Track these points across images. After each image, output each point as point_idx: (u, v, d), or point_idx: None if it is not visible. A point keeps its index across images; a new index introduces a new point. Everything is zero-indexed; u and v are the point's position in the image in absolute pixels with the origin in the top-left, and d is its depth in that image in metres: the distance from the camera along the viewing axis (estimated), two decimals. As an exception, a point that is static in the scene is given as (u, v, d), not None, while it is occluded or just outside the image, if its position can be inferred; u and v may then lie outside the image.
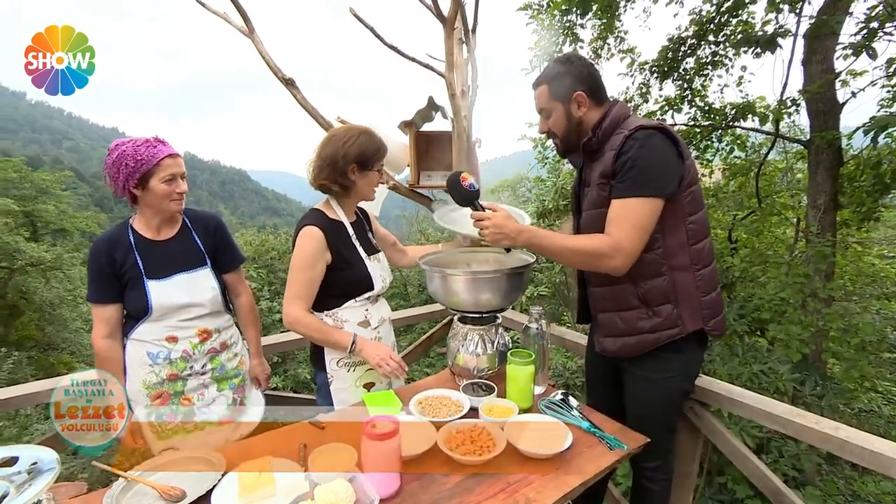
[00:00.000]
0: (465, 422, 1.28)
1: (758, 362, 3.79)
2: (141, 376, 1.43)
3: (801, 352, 3.88)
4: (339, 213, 1.53)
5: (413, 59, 1.67)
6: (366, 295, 1.53)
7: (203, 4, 1.70)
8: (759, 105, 4.64)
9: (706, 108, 4.86)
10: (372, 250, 1.58)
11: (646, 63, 5.07)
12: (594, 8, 4.52)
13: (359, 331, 1.51)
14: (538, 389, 1.52)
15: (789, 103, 4.24)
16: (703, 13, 4.59)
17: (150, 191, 1.38)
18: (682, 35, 4.75)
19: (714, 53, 4.78)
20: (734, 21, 4.59)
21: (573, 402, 1.44)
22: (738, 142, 5.12)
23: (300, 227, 1.45)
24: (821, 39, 4.02)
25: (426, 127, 2.16)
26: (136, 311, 1.42)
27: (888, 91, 4.18)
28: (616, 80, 5.35)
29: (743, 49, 4.31)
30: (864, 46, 3.60)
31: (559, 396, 1.45)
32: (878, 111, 4.08)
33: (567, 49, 4.79)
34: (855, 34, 3.60)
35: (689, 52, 4.81)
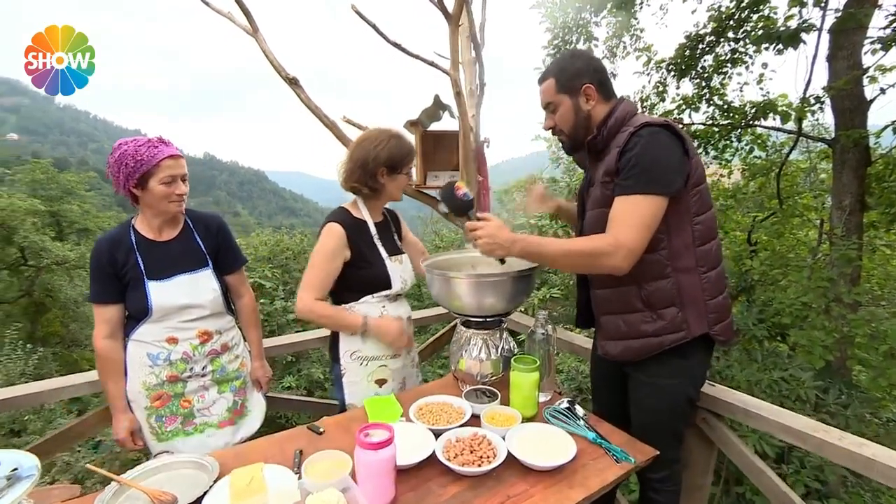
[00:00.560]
0: (466, 430, 1.24)
1: (778, 369, 3.65)
2: (141, 377, 1.43)
3: (824, 358, 3.74)
4: (364, 213, 1.57)
5: (416, 57, 1.64)
6: (384, 293, 1.55)
7: (208, 4, 1.70)
8: (781, 103, 4.49)
9: (725, 106, 4.73)
10: (395, 251, 1.61)
11: (662, 61, 4.96)
12: (609, 5, 4.43)
13: None
14: (543, 397, 1.47)
15: (813, 101, 4.08)
16: (723, 9, 4.46)
17: (150, 191, 1.37)
18: (700, 32, 4.63)
19: (734, 51, 4.65)
20: (755, 17, 4.45)
21: (580, 410, 1.39)
22: (759, 141, 4.96)
23: (326, 222, 1.50)
24: (847, 34, 3.87)
25: (433, 127, 2.13)
26: (136, 312, 1.41)
27: (920, 87, 4.00)
28: (632, 78, 5.23)
29: (764, 46, 4.17)
30: (894, 40, 3.45)
31: (565, 405, 1.40)
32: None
33: (581, 47, 4.71)
34: (885, 27, 3.45)
35: (707, 49, 4.68)
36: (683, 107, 4.88)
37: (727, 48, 4.65)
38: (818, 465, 3.18)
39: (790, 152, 4.60)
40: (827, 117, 4.31)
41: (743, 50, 4.60)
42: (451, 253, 1.78)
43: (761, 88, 4.64)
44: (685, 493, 1.51)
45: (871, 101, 4.01)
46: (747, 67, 4.63)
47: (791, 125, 4.37)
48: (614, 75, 5.59)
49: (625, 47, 5.23)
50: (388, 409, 1.42)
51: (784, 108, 4.35)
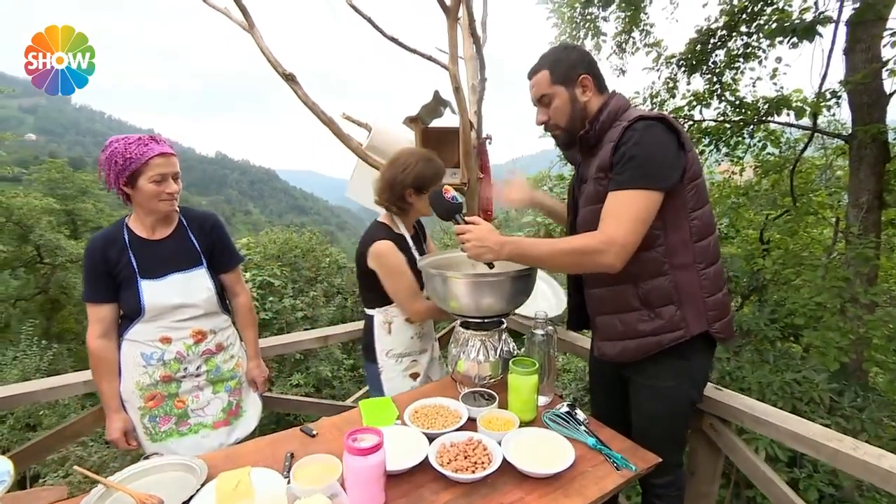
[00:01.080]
0: (461, 434, 1.21)
1: (791, 370, 3.56)
2: (134, 377, 1.41)
3: (839, 360, 3.63)
4: (401, 228, 1.67)
5: (414, 51, 1.60)
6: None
7: (205, 0, 1.67)
8: (796, 98, 4.37)
9: (737, 102, 4.62)
10: (412, 255, 1.70)
11: (673, 56, 4.87)
12: (617, 0, 4.35)
13: (405, 326, 1.67)
14: (543, 400, 1.42)
15: (829, 96, 3.97)
16: (735, 2, 4.36)
17: (140, 190, 1.36)
18: (712, 26, 4.52)
19: (746, 45, 4.54)
20: (769, 10, 4.34)
21: (580, 415, 1.34)
22: (772, 138, 4.84)
23: (373, 239, 1.57)
24: (866, 26, 3.75)
25: (435, 123, 2.09)
26: (129, 311, 1.40)
27: (941, 81, 3.87)
28: (641, 74, 5.14)
29: (778, 39, 4.07)
30: (914, 32, 3.33)
31: (565, 409, 1.36)
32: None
33: (589, 43, 4.63)
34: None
35: (718, 43, 4.59)
36: (694, 103, 4.79)
37: (740, 42, 4.55)
38: (832, 470, 3.09)
39: (804, 149, 4.49)
40: (843, 112, 4.19)
41: (756, 44, 4.49)
42: (449, 252, 1.75)
43: (775, 83, 4.53)
44: (692, 502, 1.46)
45: (891, 94, 3.88)
46: (760, 62, 4.52)
47: (806, 121, 4.26)
48: (623, 71, 5.51)
49: (634, 43, 5.14)
50: (383, 411, 1.40)
51: (799, 103, 4.24)
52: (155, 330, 1.40)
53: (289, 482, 1.04)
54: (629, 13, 4.63)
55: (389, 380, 1.66)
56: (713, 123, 4.68)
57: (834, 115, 4.13)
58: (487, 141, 2.16)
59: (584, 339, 1.90)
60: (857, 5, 3.67)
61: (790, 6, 4.32)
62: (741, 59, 4.56)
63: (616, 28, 4.85)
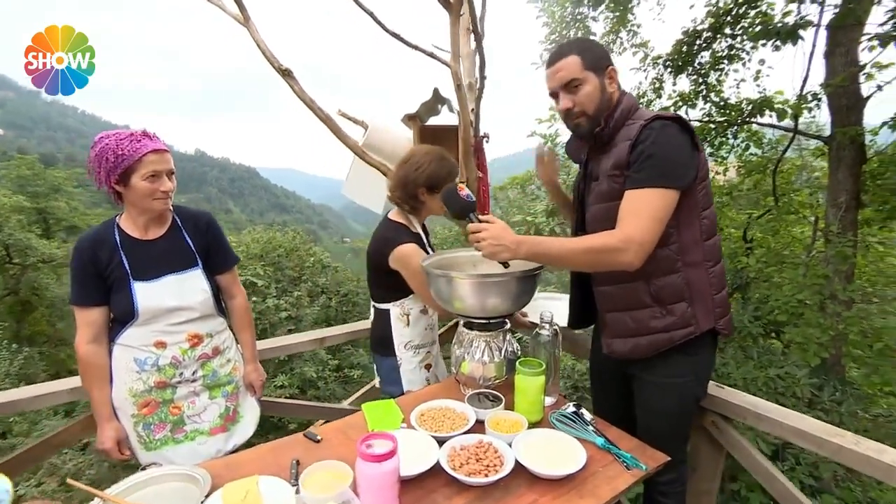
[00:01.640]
0: (471, 437, 1.19)
1: (774, 366, 3.65)
2: (127, 383, 1.36)
3: (819, 356, 3.74)
4: (416, 226, 1.69)
5: (416, 47, 1.58)
6: None
7: (197, -8, 1.62)
8: (777, 100, 4.48)
9: (721, 103, 4.72)
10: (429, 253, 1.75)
11: (659, 57, 4.93)
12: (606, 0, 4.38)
13: (421, 317, 1.70)
14: (548, 400, 1.42)
15: (810, 98, 4.08)
16: (721, 5, 4.43)
17: (132, 188, 1.30)
18: (698, 28, 4.60)
19: (730, 47, 4.63)
20: (752, 13, 4.43)
21: (587, 415, 1.34)
22: (755, 138, 4.96)
23: (397, 242, 1.57)
24: (845, 30, 3.86)
25: (432, 121, 2.07)
26: (121, 315, 1.34)
27: (915, 84, 4.00)
28: (629, 74, 5.20)
29: (762, 42, 4.16)
30: (892, 37, 3.44)
31: (571, 409, 1.35)
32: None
33: (578, 42, 4.65)
34: (883, 23, 3.43)
35: (704, 45, 4.66)
36: (680, 103, 4.87)
37: (724, 44, 4.64)
38: (813, 462, 3.19)
39: (786, 149, 4.60)
40: (823, 115, 4.31)
41: (740, 46, 4.58)
42: (450, 252, 1.73)
43: (758, 85, 4.63)
44: (693, 498, 1.47)
45: (868, 97, 4.01)
46: (744, 64, 4.61)
47: (787, 122, 4.37)
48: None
49: (622, 43, 5.19)
50: (387, 414, 1.37)
51: (780, 105, 4.35)
52: (149, 334, 1.35)
53: (297, 491, 1.01)
54: (618, 13, 4.67)
55: (408, 372, 1.69)
56: (698, 124, 4.76)
57: (814, 116, 4.24)
58: (484, 140, 2.15)
59: (583, 337, 1.90)
60: (838, 10, 3.78)
61: (773, 10, 4.42)
62: (725, 61, 4.65)
63: (604, 28, 4.90)
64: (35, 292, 13.81)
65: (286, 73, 1.61)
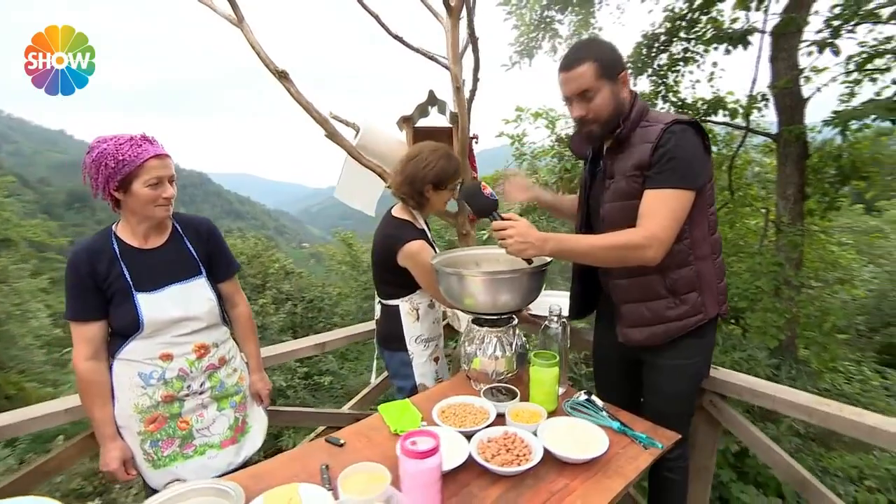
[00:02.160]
0: (496, 430, 1.22)
1: (737, 350, 3.92)
2: (132, 400, 1.29)
3: (777, 338, 4.02)
4: (421, 222, 1.71)
5: (418, 50, 1.59)
6: None
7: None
8: (730, 100, 4.80)
9: (679, 103, 4.99)
10: (435, 249, 1.75)
11: (620, 59, 5.15)
12: (574, 0, 4.54)
13: (429, 311, 1.75)
14: (559, 390, 1.47)
15: (759, 98, 4.39)
16: (676, 10, 4.70)
17: (133, 195, 1.24)
18: (656, 31, 4.85)
19: (686, 50, 4.91)
20: (704, 18, 4.72)
21: (598, 401, 1.40)
22: (710, 135, 5.28)
23: (405, 239, 1.59)
24: (787, 37, 4.19)
25: (422, 122, 2.08)
26: (124, 328, 1.27)
27: (847, 87, 4.40)
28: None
29: (714, 45, 4.44)
30: (827, 43, 3.76)
31: (583, 397, 1.41)
32: (838, 106, 4.29)
33: (546, 44, 4.79)
34: (819, 31, 3.75)
35: (661, 48, 4.92)
36: (641, 103, 5.10)
37: (680, 47, 4.91)
38: (774, 437, 3.44)
39: (740, 146, 4.93)
40: (770, 114, 4.65)
41: (694, 49, 4.87)
42: (453, 251, 1.76)
43: (712, 86, 4.93)
44: (693, 474, 1.57)
45: (808, 98, 4.36)
46: (699, 66, 4.90)
47: (739, 121, 4.68)
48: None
49: (583, 46, 5.39)
50: (405, 414, 1.38)
51: (733, 104, 4.65)
52: (154, 347, 1.29)
53: (334, 496, 1.01)
54: (581, 16, 4.85)
55: (420, 365, 1.72)
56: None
57: (763, 115, 4.57)
58: (474, 141, 2.19)
59: (585, 331, 1.95)
60: (780, 18, 4.09)
61: (722, 16, 4.73)
62: (681, 63, 4.92)
63: (569, 30, 5.07)
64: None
65: (282, 76, 1.58)
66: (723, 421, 1.52)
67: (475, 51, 1.66)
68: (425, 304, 1.72)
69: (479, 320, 1.54)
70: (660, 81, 4.93)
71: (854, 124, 3.74)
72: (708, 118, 4.69)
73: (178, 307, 1.32)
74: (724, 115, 4.62)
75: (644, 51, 4.84)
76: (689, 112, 4.86)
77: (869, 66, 3.83)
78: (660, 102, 4.96)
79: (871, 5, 3.58)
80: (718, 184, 5.19)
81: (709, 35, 4.51)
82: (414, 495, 0.95)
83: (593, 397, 1.42)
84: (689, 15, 4.62)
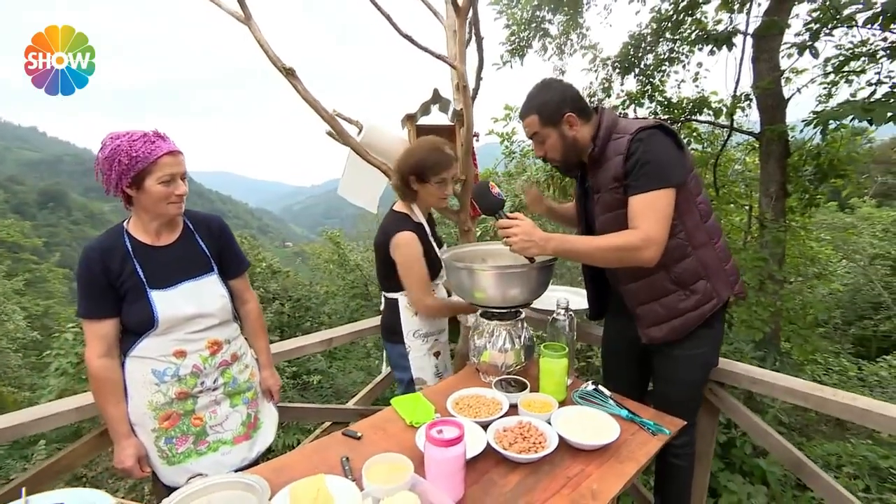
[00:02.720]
0: (511, 419, 1.25)
1: (725, 343, 4.04)
2: (146, 397, 1.29)
3: (762, 331, 4.15)
4: (419, 216, 1.71)
5: (426, 50, 1.61)
6: (436, 282, 1.77)
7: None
8: (713, 100, 4.93)
9: (665, 102, 5.10)
10: (440, 243, 1.78)
11: (608, 59, 5.25)
12: (564, 0, 4.60)
13: None
14: (567, 381, 1.51)
15: (743, 98, 4.52)
16: (662, 11, 4.80)
17: (146, 192, 1.24)
18: (643, 32, 4.95)
19: (671, 50, 5.02)
20: (689, 20, 4.84)
21: (605, 391, 1.45)
22: (695, 135, 5.41)
23: (395, 231, 1.61)
24: (768, 39, 4.31)
25: (424, 120, 2.10)
26: (138, 325, 1.27)
27: (824, 88, 4.56)
28: (580, 75, 5.49)
29: (698, 46, 4.56)
30: (807, 46, 3.89)
31: (591, 387, 1.46)
32: (816, 106, 4.45)
33: (536, 44, 4.85)
34: (798, 34, 3.88)
35: (648, 48, 5.02)
36: (628, 102, 5.20)
37: (665, 48, 5.02)
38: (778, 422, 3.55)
39: (724, 145, 5.06)
40: (753, 114, 4.79)
41: (679, 50, 4.98)
42: (462, 247, 1.78)
43: (697, 86, 5.05)
44: (695, 459, 1.63)
45: (789, 98, 4.51)
46: (684, 66, 5.02)
47: (723, 120, 4.81)
48: (563, 72, 5.84)
49: (572, 44, 5.47)
50: (419, 407, 1.40)
51: (717, 104, 4.78)
52: (168, 343, 1.29)
53: (357, 485, 1.03)
54: (569, 16, 4.92)
55: (417, 359, 1.74)
56: (646, 122, 5.12)
57: (747, 115, 4.70)
58: (475, 139, 2.22)
59: (589, 324, 1.99)
60: (762, 21, 4.22)
61: (706, 17, 4.85)
62: (667, 63, 5.04)
63: (557, 30, 5.14)
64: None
65: (289, 73, 1.58)
66: (723, 408, 1.58)
67: (479, 50, 1.69)
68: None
69: (488, 314, 1.57)
70: (646, 81, 5.03)
71: (832, 124, 3.88)
72: (693, 117, 4.81)
73: (191, 304, 1.32)
74: (709, 115, 4.74)
75: (631, 50, 4.94)
76: (675, 111, 4.98)
77: (846, 69, 3.98)
78: (646, 102, 5.06)
79: (848, 10, 3.72)
80: (703, 181, 5.33)
81: (693, 36, 4.62)
82: (439, 482, 0.98)
83: (600, 387, 1.46)
84: (675, 16, 4.72)
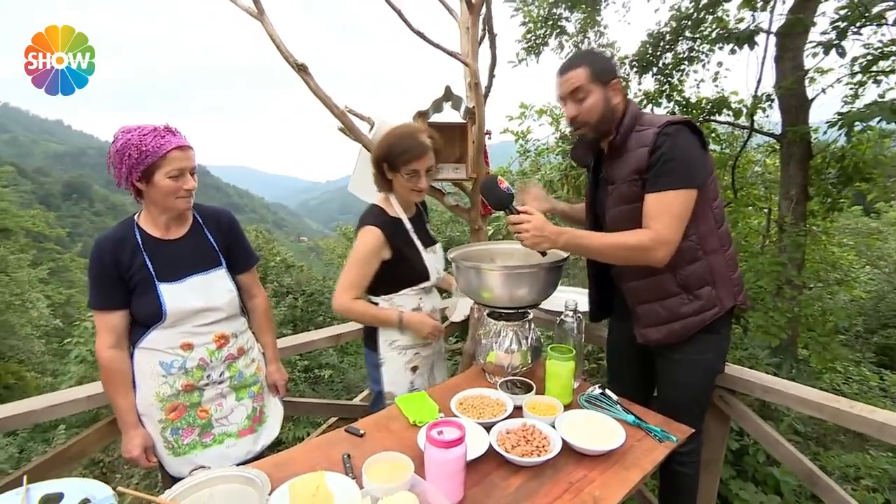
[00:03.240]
0: (515, 421, 1.24)
1: (739, 349, 3.96)
2: (153, 388, 1.31)
3: (778, 337, 4.05)
4: (397, 210, 1.58)
5: (437, 46, 1.60)
6: (421, 285, 1.61)
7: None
8: (733, 100, 4.81)
9: (683, 102, 5.00)
10: (429, 242, 1.65)
11: (626, 57, 5.16)
12: (581, -2, 4.54)
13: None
14: (574, 384, 1.49)
15: (764, 98, 4.40)
16: (683, 9, 4.70)
17: (155, 186, 1.25)
18: (662, 30, 4.85)
19: (691, 49, 4.91)
20: (710, 18, 4.72)
21: (612, 395, 1.42)
22: (714, 135, 5.29)
23: (362, 223, 1.53)
24: (793, 38, 4.19)
25: (436, 118, 2.09)
26: (146, 318, 1.29)
27: (851, 88, 4.42)
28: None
29: (719, 45, 4.45)
30: (833, 45, 3.77)
31: (598, 391, 1.43)
32: (842, 107, 4.31)
33: (553, 42, 4.79)
34: (824, 32, 3.76)
35: (667, 47, 4.92)
36: (646, 102, 5.11)
37: (685, 46, 4.91)
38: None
39: (744, 146, 4.94)
40: (773, 115, 4.67)
41: (699, 49, 4.87)
42: (470, 246, 1.77)
43: (716, 85, 4.94)
44: (703, 467, 1.59)
45: (813, 99, 4.38)
46: (703, 65, 4.91)
47: (743, 120, 4.70)
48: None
49: (589, 43, 5.39)
50: (423, 406, 1.39)
51: (737, 104, 4.67)
52: (175, 336, 1.31)
53: (357, 483, 1.03)
54: (587, 14, 4.85)
55: (390, 371, 1.60)
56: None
57: (768, 116, 4.59)
58: (487, 136, 2.20)
59: (597, 327, 1.96)
60: (786, 19, 4.10)
61: (727, 16, 4.73)
62: (686, 62, 4.93)
63: (574, 28, 5.07)
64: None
65: (302, 69, 1.59)
66: (733, 416, 1.54)
67: (492, 47, 1.67)
68: (409, 308, 1.58)
69: (495, 314, 1.56)
70: (664, 80, 4.93)
71: (857, 126, 3.76)
72: (712, 118, 4.71)
73: (199, 297, 1.33)
74: (728, 115, 4.63)
75: (649, 49, 4.84)
76: (694, 111, 4.87)
77: (874, 68, 3.85)
78: (664, 101, 4.97)
79: (878, 8, 3.59)
80: (721, 183, 5.22)
81: (714, 35, 4.52)
82: (439, 483, 0.97)
83: (607, 391, 1.44)
84: (695, 14, 4.61)
